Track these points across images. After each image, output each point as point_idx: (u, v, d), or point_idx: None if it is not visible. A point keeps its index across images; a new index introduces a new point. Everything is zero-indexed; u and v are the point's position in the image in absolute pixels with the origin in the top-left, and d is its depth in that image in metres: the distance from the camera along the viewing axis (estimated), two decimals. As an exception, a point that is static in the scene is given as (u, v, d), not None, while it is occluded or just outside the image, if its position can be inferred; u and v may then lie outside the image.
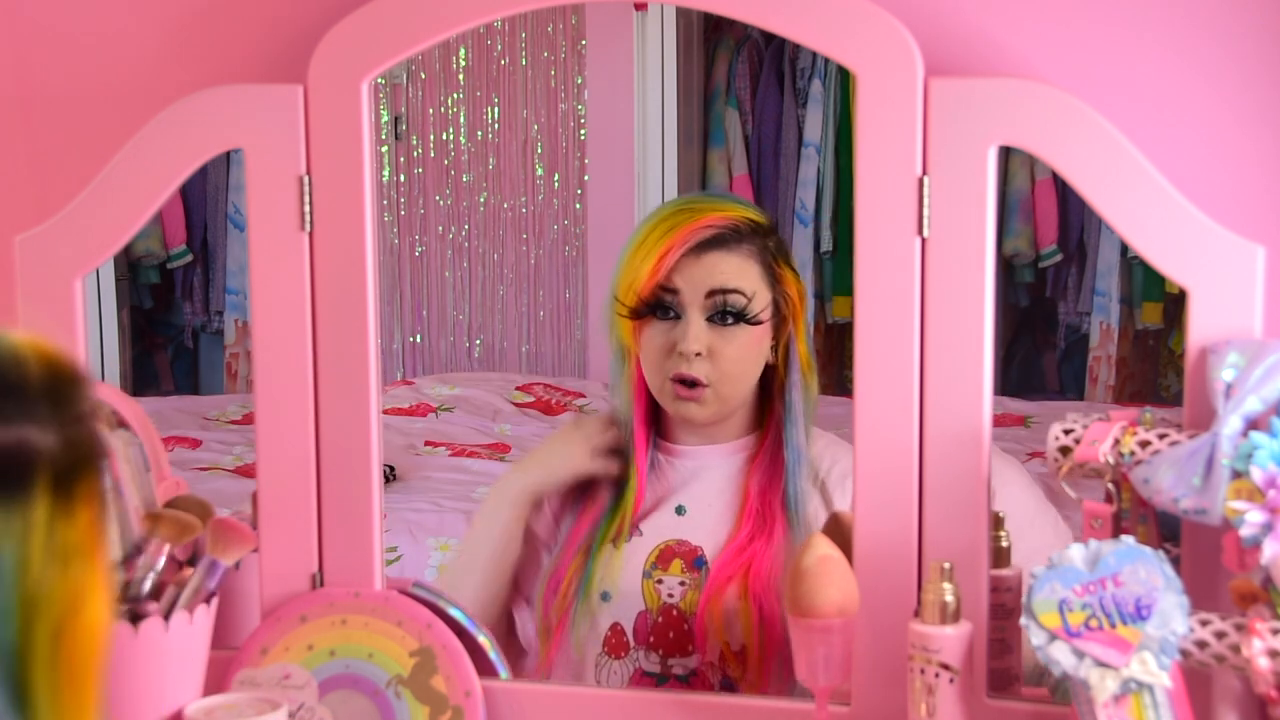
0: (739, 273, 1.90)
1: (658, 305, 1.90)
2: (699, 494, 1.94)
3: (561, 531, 1.97)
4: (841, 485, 1.91)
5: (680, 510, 1.94)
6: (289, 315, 1.76)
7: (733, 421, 1.94)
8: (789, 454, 1.92)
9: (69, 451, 0.96)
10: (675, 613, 1.91)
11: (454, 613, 1.79)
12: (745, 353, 1.90)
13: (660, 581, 1.92)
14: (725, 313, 1.89)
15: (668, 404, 1.92)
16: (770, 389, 1.94)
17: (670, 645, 1.90)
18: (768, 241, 1.92)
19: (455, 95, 2.74)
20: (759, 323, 1.90)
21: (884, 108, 1.60)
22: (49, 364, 0.98)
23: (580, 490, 1.97)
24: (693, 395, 1.90)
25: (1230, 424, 1.44)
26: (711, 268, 1.89)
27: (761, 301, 1.90)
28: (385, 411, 1.88)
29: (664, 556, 1.92)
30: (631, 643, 1.91)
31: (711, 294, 1.89)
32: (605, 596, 1.92)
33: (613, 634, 1.92)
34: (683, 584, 1.91)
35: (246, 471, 1.74)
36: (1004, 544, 1.69)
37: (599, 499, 1.96)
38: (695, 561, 1.92)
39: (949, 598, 1.54)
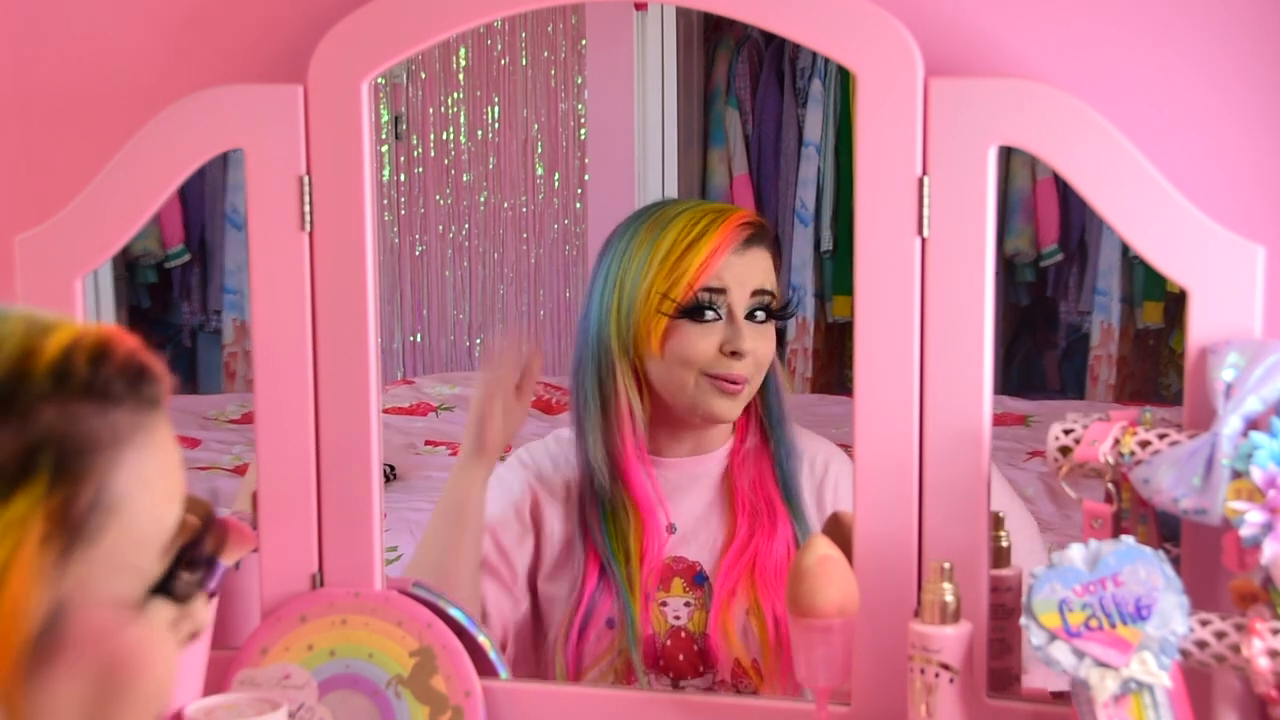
0: (770, 271, 1.91)
1: (697, 307, 1.88)
2: (687, 509, 1.93)
3: (575, 558, 1.93)
4: (835, 492, 1.91)
5: (672, 529, 1.93)
6: (289, 315, 1.76)
7: (723, 425, 1.94)
8: (778, 448, 1.91)
9: (4, 452, 0.92)
10: (684, 635, 1.90)
11: (454, 613, 1.79)
12: (772, 346, 1.91)
13: (664, 604, 1.90)
14: (760, 309, 1.89)
15: (701, 402, 1.89)
16: None
17: (681, 667, 1.89)
18: (772, 239, 1.93)
19: (455, 95, 2.74)
20: (784, 319, 1.92)
21: (884, 108, 1.60)
22: (21, 356, 0.94)
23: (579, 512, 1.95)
24: (738, 389, 1.89)
25: (1230, 424, 1.44)
26: (753, 265, 1.89)
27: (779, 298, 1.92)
28: (385, 411, 1.87)
29: (663, 576, 1.91)
30: (641, 668, 1.90)
31: (756, 293, 1.89)
32: (610, 623, 1.91)
33: (620, 661, 1.91)
34: (688, 605, 1.90)
35: (246, 471, 1.74)
36: (1004, 544, 1.68)
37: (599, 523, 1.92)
38: (696, 578, 1.90)
39: (949, 598, 1.54)
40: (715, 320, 1.88)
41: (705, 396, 1.89)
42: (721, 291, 1.87)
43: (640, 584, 1.89)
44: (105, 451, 0.95)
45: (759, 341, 1.88)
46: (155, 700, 0.99)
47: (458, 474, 1.92)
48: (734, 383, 1.88)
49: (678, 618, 1.89)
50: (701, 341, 1.87)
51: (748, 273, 1.88)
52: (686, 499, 1.93)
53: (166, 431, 0.99)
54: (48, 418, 0.93)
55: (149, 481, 0.97)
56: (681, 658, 1.88)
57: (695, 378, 1.88)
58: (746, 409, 1.92)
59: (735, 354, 1.87)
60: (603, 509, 1.91)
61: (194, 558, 1.01)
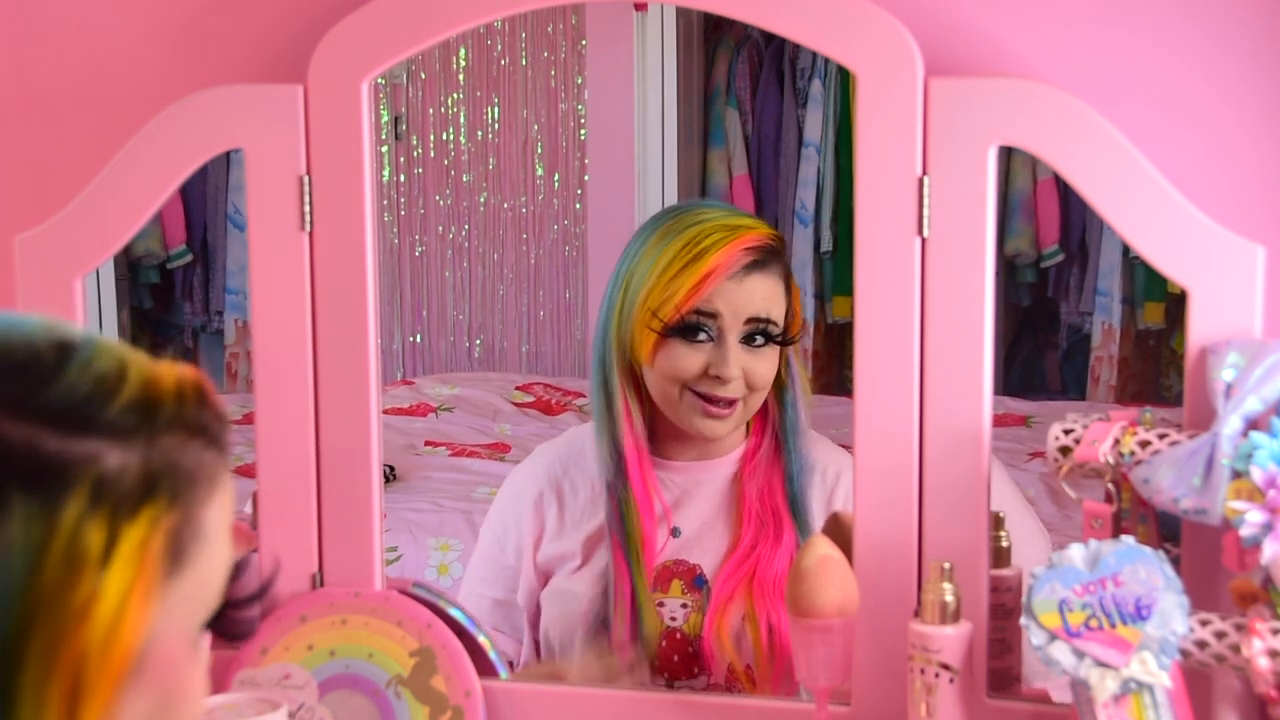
0: (773, 297, 1.87)
1: (687, 327, 1.86)
2: (693, 513, 1.92)
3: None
4: (845, 504, 1.90)
5: (676, 533, 1.92)
6: (289, 315, 1.76)
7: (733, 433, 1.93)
8: (791, 461, 1.90)
9: (131, 473, 0.94)
10: (679, 636, 1.89)
11: (454, 613, 1.79)
12: (771, 370, 1.88)
13: (661, 605, 1.90)
14: (758, 334, 1.87)
15: (686, 418, 1.88)
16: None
17: (676, 669, 1.88)
18: (784, 259, 1.91)
19: (455, 95, 2.75)
20: (788, 343, 1.89)
21: (884, 108, 1.60)
22: (148, 384, 0.96)
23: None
24: (726, 412, 1.87)
25: (1230, 424, 1.44)
26: (751, 293, 1.86)
27: (785, 322, 1.89)
28: (385, 411, 1.87)
29: (662, 577, 1.91)
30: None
31: (750, 320, 1.86)
32: (605, 623, 1.91)
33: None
34: (685, 606, 1.89)
35: (246, 471, 1.74)
36: (1004, 544, 1.68)
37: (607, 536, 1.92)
38: (695, 581, 1.90)
39: (949, 598, 1.54)
40: (706, 341, 1.86)
41: (690, 414, 1.88)
42: (713, 315, 1.85)
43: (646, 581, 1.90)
44: (202, 486, 0.98)
45: (753, 365, 1.86)
46: None
47: None
48: (721, 405, 1.87)
49: (673, 618, 1.89)
50: (688, 360, 1.86)
51: (744, 300, 1.85)
52: (693, 503, 1.93)
53: (229, 476, 1.02)
54: (167, 444, 0.96)
55: (224, 521, 1.00)
56: (676, 658, 1.88)
57: (681, 393, 1.87)
58: (762, 418, 1.91)
59: (719, 378, 1.85)
60: (621, 506, 1.91)
61: (239, 597, 1.03)
